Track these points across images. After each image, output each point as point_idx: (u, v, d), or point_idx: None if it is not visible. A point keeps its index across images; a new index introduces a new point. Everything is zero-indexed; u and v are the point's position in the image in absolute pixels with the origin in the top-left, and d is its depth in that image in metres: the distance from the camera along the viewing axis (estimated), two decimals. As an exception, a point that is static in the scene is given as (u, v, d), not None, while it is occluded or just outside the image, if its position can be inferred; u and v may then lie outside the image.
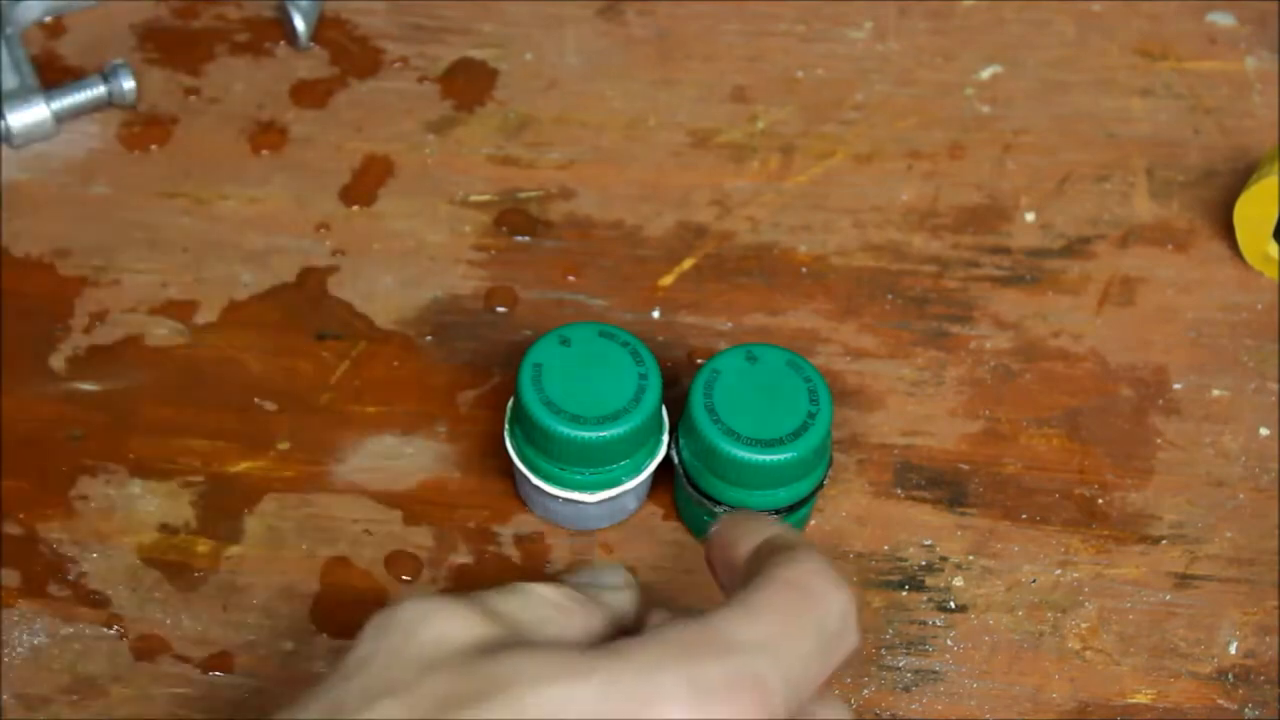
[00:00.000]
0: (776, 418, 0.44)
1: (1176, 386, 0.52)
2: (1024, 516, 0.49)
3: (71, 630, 0.46)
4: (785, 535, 0.37)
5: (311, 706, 0.34)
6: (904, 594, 0.48)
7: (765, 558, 0.36)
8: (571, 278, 0.53)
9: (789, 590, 0.34)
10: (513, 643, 0.34)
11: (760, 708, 0.32)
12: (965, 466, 0.50)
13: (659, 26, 0.59)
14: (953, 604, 0.48)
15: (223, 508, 0.49)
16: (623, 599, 0.38)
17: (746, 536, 0.38)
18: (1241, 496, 0.50)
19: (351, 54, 0.58)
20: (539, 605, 0.37)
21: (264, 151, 0.56)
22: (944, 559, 0.48)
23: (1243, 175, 0.55)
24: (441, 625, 0.35)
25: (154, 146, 0.56)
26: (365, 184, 0.55)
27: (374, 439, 0.50)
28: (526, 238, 0.54)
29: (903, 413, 0.51)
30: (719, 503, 0.45)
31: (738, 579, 0.37)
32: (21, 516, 0.48)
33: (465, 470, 0.50)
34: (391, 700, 0.33)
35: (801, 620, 0.34)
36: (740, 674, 0.32)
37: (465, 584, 0.48)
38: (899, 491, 0.50)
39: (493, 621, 0.35)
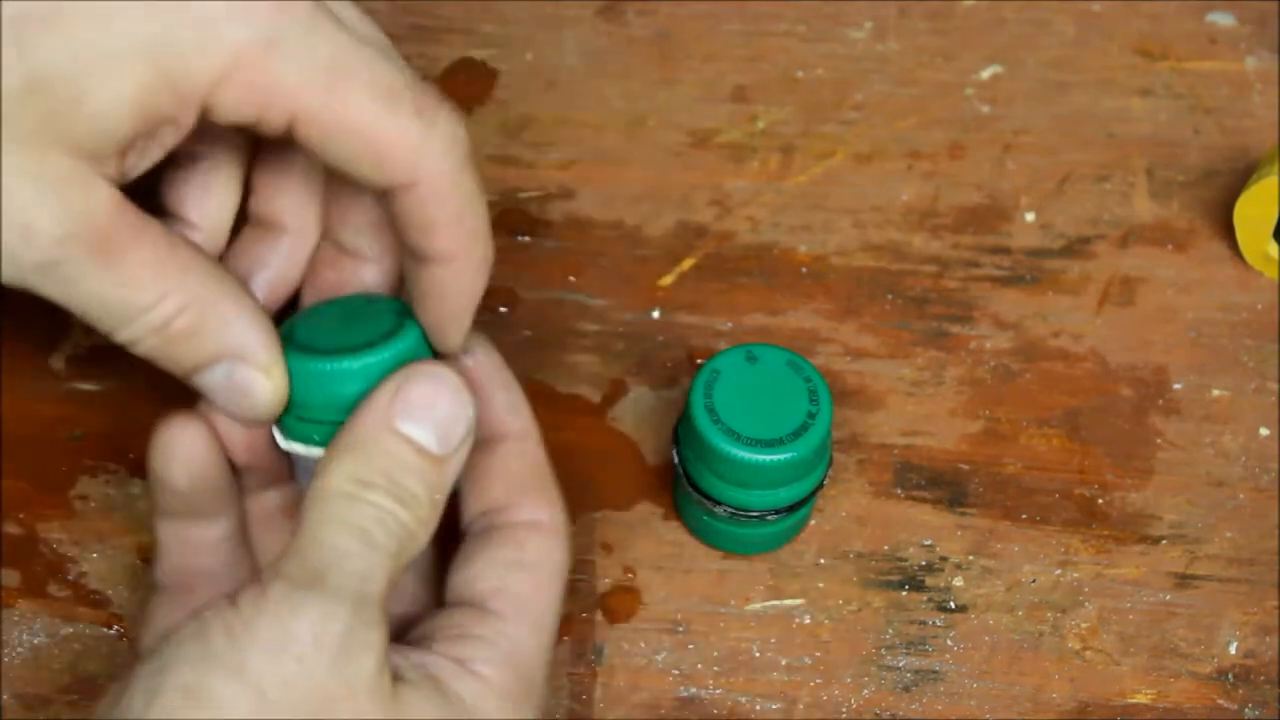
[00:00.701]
0: (776, 418, 0.44)
1: (1176, 386, 0.52)
2: (1024, 516, 0.49)
3: (71, 630, 0.46)
4: (542, 477, 0.41)
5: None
6: (904, 594, 0.48)
7: (520, 503, 0.41)
8: (572, 278, 0.53)
9: (545, 574, 0.40)
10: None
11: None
12: (965, 466, 0.50)
13: (659, 26, 0.59)
14: (953, 604, 0.48)
15: (223, 508, 0.49)
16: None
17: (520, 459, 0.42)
18: (1241, 496, 0.50)
19: (351, 54, 0.58)
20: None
21: (264, 151, 0.56)
22: (944, 559, 0.48)
23: (1243, 175, 0.55)
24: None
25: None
26: (365, 184, 0.55)
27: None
28: (526, 238, 0.54)
29: (903, 413, 0.51)
30: (719, 503, 0.45)
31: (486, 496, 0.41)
32: (21, 516, 0.48)
33: (465, 470, 0.50)
34: None
35: (553, 597, 0.40)
36: (531, 684, 0.39)
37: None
38: (899, 491, 0.50)
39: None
